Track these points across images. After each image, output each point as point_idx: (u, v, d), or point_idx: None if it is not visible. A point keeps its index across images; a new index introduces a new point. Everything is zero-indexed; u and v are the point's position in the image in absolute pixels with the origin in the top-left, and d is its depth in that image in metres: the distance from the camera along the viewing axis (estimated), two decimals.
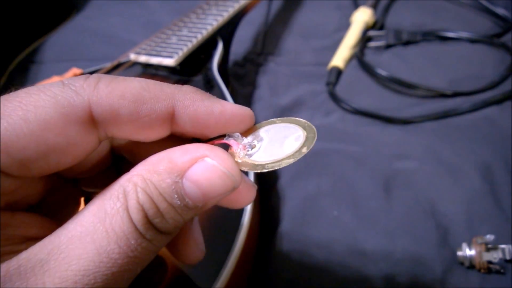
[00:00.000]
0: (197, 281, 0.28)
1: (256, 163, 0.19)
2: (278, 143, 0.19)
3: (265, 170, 0.18)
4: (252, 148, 0.19)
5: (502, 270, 0.32)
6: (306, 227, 0.37)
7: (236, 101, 0.41)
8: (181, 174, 0.16)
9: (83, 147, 0.16)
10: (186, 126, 0.17)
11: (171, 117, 0.17)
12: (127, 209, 0.15)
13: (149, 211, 0.15)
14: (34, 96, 0.15)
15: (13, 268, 0.14)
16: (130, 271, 0.15)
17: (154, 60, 0.45)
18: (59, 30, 0.64)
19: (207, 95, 0.17)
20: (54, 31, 0.64)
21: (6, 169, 0.14)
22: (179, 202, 0.16)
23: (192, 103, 0.17)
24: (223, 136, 0.19)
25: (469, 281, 0.33)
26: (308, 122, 0.19)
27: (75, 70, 0.47)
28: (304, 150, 0.18)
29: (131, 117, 0.16)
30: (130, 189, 0.15)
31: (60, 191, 0.19)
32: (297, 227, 0.37)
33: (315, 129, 0.19)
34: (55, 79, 0.46)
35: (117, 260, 0.15)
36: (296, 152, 0.18)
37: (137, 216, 0.15)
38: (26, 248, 0.15)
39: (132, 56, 0.46)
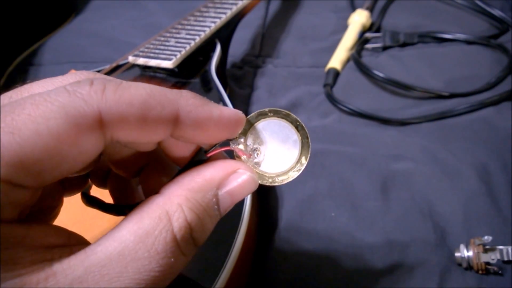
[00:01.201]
0: (197, 281, 0.28)
1: (267, 175, 0.21)
2: (279, 150, 0.21)
3: (275, 184, 0.20)
4: (257, 155, 0.21)
5: (500, 271, 0.32)
6: (304, 228, 0.37)
7: (234, 103, 0.41)
8: (220, 187, 0.18)
9: (92, 153, 0.16)
10: (187, 130, 0.18)
11: (175, 121, 0.17)
12: (171, 230, 0.16)
13: (195, 227, 0.17)
14: (41, 107, 0.15)
15: (51, 282, 0.14)
16: (165, 284, 0.16)
17: (153, 62, 0.45)
18: (58, 33, 0.64)
19: (205, 100, 0.19)
20: (53, 33, 0.64)
21: (23, 182, 0.15)
22: (217, 212, 0.18)
23: (194, 109, 0.18)
24: (226, 143, 0.20)
25: (467, 282, 0.33)
26: (299, 120, 0.21)
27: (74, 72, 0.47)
28: (304, 160, 0.21)
29: (138, 123, 0.17)
30: (175, 210, 0.17)
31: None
32: (295, 228, 0.37)
33: (307, 132, 0.21)
34: None
35: (157, 278, 0.16)
36: (297, 162, 0.21)
37: (183, 235, 0.17)
38: (51, 257, 0.15)
39: (131, 58, 0.46)
